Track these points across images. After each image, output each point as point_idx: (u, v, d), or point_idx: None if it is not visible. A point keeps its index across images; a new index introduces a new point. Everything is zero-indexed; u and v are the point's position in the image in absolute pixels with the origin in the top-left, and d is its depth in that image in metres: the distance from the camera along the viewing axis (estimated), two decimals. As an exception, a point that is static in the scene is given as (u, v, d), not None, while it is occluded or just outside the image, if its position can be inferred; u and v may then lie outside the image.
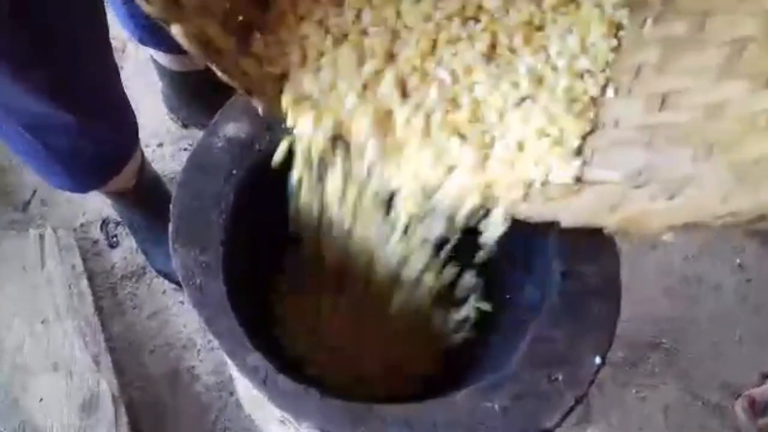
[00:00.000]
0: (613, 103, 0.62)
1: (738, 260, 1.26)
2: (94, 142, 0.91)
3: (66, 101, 0.80)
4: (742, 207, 0.46)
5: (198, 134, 1.33)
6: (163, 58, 1.21)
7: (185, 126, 1.36)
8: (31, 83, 0.74)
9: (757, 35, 0.55)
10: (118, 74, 0.92)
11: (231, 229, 0.66)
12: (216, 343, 0.61)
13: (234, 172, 0.69)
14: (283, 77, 0.63)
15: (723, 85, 0.55)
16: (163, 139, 1.34)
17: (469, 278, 0.76)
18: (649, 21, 0.63)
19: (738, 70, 0.55)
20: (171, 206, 0.66)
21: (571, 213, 0.56)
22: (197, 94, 1.27)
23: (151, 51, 1.22)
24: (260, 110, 0.61)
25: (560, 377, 0.60)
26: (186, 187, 0.68)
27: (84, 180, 0.99)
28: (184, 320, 1.17)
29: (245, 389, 0.84)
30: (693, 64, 0.58)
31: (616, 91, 0.62)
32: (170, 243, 0.64)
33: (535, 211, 0.59)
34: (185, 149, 1.33)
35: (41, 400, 1.02)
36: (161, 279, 1.20)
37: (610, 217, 0.53)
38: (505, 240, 0.73)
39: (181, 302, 1.18)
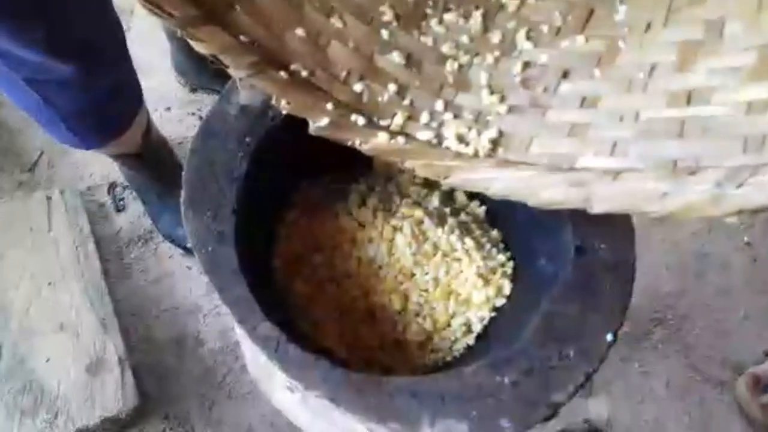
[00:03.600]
0: (629, 98, 0.61)
1: (746, 238, 1.26)
2: (94, 100, 0.90)
3: (64, 52, 0.79)
4: None
5: (206, 99, 1.33)
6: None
7: (193, 90, 1.35)
8: (29, 36, 0.74)
9: None
10: (120, 30, 0.91)
11: (243, 197, 0.66)
12: (225, 309, 0.61)
13: (247, 140, 0.68)
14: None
15: (756, 85, 0.54)
16: (171, 104, 1.33)
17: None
18: (658, 24, 0.62)
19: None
20: (183, 173, 0.66)
21: (606, 200, 0.55)
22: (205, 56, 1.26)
23: None
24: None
25: (571, 353, 0.60)
26: (198, 154, 0.67)
27: (86, 138, 0.98)
28: (190, 285, 1.17)
29: (253, 356, 0.84)
30: (717, 65, 0.57)
31: (629, 87, 0.61)
32: (182, 209, 0.64)
33: (567, 196, 0.57)
34: (193, 114, 1.32)
35: (48, 360, 1.03)
36: (168, 244, 1.20)
37: (657, 204, 0.51)
38: (516, 213, 0.74)
39: (188, 267, 1.19)
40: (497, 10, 0.69)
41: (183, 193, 0.64)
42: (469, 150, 0.63)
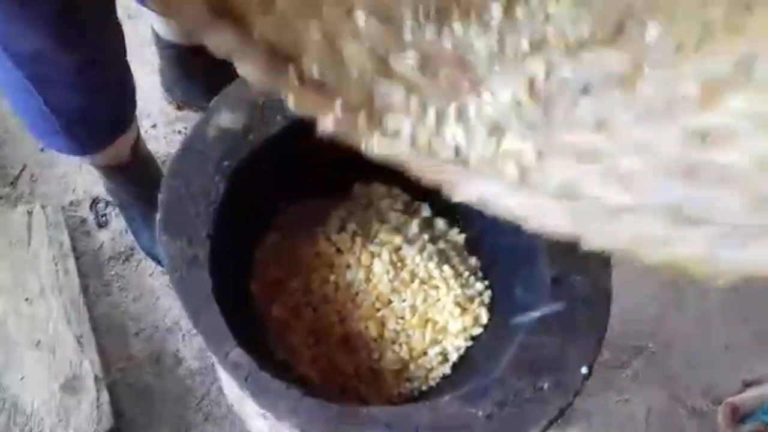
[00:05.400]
0: (645, 128, 0.60)
1: (726, 267, 1.26)
2: (96, 100, 0.90)
3: (70, 36, 0.79)
4: None
5: (192, 117, 1.32)
6: (162, 27, 1.20)
7: (180, 107, 1.34)
8: (39, 10, 0.73)
9: None
10: (121, 32, 0.92)
11: (219, 221, 0.65)
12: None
13: (226, 163, 0.68)
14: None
15: None
16: (157, 121, 1.32)
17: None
18: (688, 49, 0.59)
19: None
20: (159, 195, 0.65)
21: (604, 237, 0.53)
22: (194, 71, 1.25)
23: (152, 19, 1.20)
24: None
25: (546, 386, 0.60)
26: (176, 175, 0.67)
27: (81, 142, 0.98)
28: (170, 303, 1.16)
29: (228, 381, 0.83)
30: (741, 107, 0.55)
31: (647, 116, 0.59)
32: (157, 232, 0.63)
33: (564, 226, 0.56)
34: (179, 132, 1.31)
35: (22, 377, 1.02)
36: (149, 261, 1.19)
37: (654, 250, 0.50)
38: (495, 242, 0.73)
39: (169, 286, 1.17)
40: (523, 17, 0.67)
41: (158, 215, 0.64)
42: (475, 160, 0.61)
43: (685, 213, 0.52)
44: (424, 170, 0.59)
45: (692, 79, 0.58)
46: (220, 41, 0.56)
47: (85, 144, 0.99)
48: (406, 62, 0.62)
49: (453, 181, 0.58)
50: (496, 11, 0.67)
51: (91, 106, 0.91)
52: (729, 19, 0.59)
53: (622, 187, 0.56)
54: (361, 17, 0.62)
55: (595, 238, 0.52)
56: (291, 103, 0.58)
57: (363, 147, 0.59)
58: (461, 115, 0.63)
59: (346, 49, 0.62)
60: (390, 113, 0.62)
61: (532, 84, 0.63)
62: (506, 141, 0.61)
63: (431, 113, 0.62)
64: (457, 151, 0.61)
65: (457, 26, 0.65)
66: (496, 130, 0.63)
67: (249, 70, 0.56)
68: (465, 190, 0.58)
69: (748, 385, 1.16)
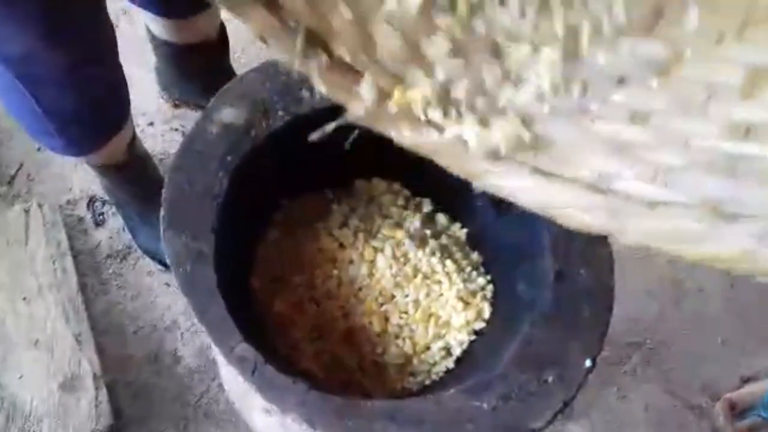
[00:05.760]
0: (683, 120, 0.58)
1: (724, 264, 1.26)
2: (88, 101, 0.90)
3: (59, 36, 0.78)
4: None
5: (189, 115, 1.32)
6: (157, 26, 1.19)
7: (176, 106, 1.34)
8: (26, 9, 0.73)
9: None
10: (112, 32, 0.91)
11: (223, 216, 0.65)
12: (203, 329, 0.61)
13: (228, 158, 0.68)
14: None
15: None
16: (154, 119, 1.32)
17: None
18: (730, 37, 0.56)
19: None
20: (163, 190, 0.65)
21: (640, 233, 0.52)
22: (190, 70, 1.25)
23: (145, 18, 1.20)
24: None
25: (550, 379, 0.60)
26: (179, 171, 0.67)
27: (76, 142, 0.97)
28: (168, 302, 1.16)
29: (230, 376, 0.83)
30: None
31: (686, 108, 0.58)
32: (161, 228, 0.63)
33: (599, 222, 0.55)
34: (176, 129, 1.31)
35: (21, 376, 1.01)
36: (147, 259, 1.19)
37: (692, 247, 0.49)
38: (497, 238, 0.74)
39: (167, 284, 1.17)
40: (560, 3, 0.65)
41: (162, 211, 0.64)
42: (505, 152, 0.60)
43: (725, 209, 0.51)
44: (451, 162, 0.58)
45: (734, 68, 0.56)
46: (252, 19, 0.55)
47: (80, 144, 0.99)
48: (438, 47, 0.60)
49: (482, 173, 0.57)
50: None
51: (84, 106, 0.91)
52: None
53: (659, 182, 0.55)
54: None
55: (630, 233, 0.51)
56: (320, 86, 0.57)
57: (392, 135, 0.58)
58: (493, 105, 0.61)
59: (377, 32, 0.60)
60: (420, 101, 0.60)
61: (567, 72, 0.61)
62: (533, 131, 0.59)
63: (464, 102, 0.60)
64: (486, 142, 0.60)
65: (490, 11, 0.64)
66: (527, 122, 0.61)
67: (279, 51, 0.55)
68: (496, 182, 0.57)
69: (745, 381, 1.16)
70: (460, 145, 0.59)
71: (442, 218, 0.82)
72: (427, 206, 0.83)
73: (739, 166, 0.52)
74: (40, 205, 1.17)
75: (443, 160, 0.58)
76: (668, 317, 1.21)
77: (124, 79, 0.99)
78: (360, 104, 0.57)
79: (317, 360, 0.72)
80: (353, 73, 0.59)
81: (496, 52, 0.62)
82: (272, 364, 0.58)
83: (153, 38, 1.24)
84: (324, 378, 0.71)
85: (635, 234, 0.51)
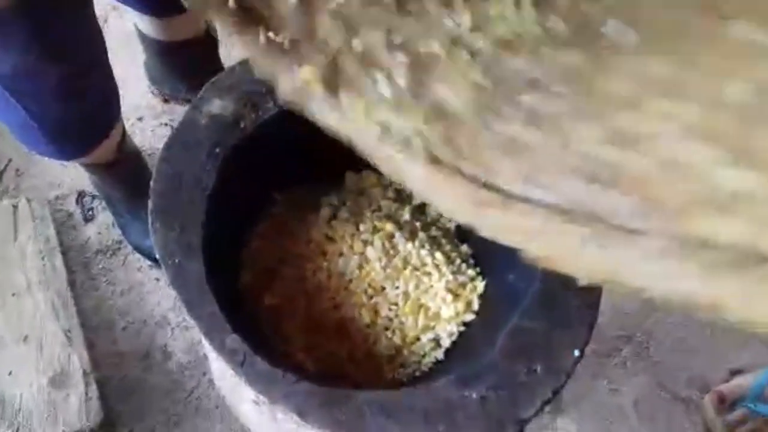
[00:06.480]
0: (569, 122, 0.57)
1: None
2: (78, 110, 0.89)
3: (47, 50, 0.78)
4: None
5: (179, 110, 1.32)
6: (145, 24, 1.19)
7: (166, 101, 1.34)
8: (12, 28, 0.73)
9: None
10: (101, 39, 0.91)
11: (212, 209, 0.65)
12: (192, 322, 0.60)
13: (217, 150, 0.68)
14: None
15: (692, 145, 0.47)
16: (143, 114, 1.31)
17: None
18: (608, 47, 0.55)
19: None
20: (152, 183, 0.65)
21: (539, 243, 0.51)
22: (180, 66, 1.25)
23: (134, 16, 1.19)
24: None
25: (538, 369, 0.60)
26: (167, 164, 0.67)
27: (65, 148, 0.97)
28: (158, 297, 1.16)
29: (220, 370, 0.83)
30: (670, 109, 0.51)
31: (576, 111, 0.57)
32: (149, 221, 0.63)
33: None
34: (165, 124, 1.30)
35: (10, 372, 1.01)
36: (136, 255, 1.18)
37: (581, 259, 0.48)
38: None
39: (156, 279, 1.17)
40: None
41: (150, 203, 0.64)
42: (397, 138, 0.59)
43: (612, 221, 0.46)
44: (370, 154, 0.57)
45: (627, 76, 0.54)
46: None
47: (70, 150, 0.99)
48: (373, 38, 0.59)
49: (384, 158, 0.56)
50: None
51: (75, 115, 0.91)
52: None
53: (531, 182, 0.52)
54: None
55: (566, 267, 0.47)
56: (253, 63, 0.56)
57: (315, 117, 0.57)
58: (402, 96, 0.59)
59: (318, 16, 0.60)
60: (349, 87, 0.60)
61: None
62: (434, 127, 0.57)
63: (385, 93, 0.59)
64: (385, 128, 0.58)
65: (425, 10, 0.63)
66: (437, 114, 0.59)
67: (220, 26, 0.55)
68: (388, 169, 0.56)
69: (734, 373, 1.17)
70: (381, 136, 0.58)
71: (431, 211, 0.83)
72: (416, 199, 0.83)
73: (602, 175, 0.49)
74: (28, 201, 1.16)
75: (371, 159, 0.56)
76: (657, 310, 1.21)
77: (116, 86, 0.98)
78: (288, 83, 0.56)
79: (309, 353, 0.72)
80: (292, 56, 0.58)
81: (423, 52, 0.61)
82: (262, 356, 0.58)
83: (141, 35, 1.24)
84: (315, 371, 0.71)
85: (537, 244, 0.49)
